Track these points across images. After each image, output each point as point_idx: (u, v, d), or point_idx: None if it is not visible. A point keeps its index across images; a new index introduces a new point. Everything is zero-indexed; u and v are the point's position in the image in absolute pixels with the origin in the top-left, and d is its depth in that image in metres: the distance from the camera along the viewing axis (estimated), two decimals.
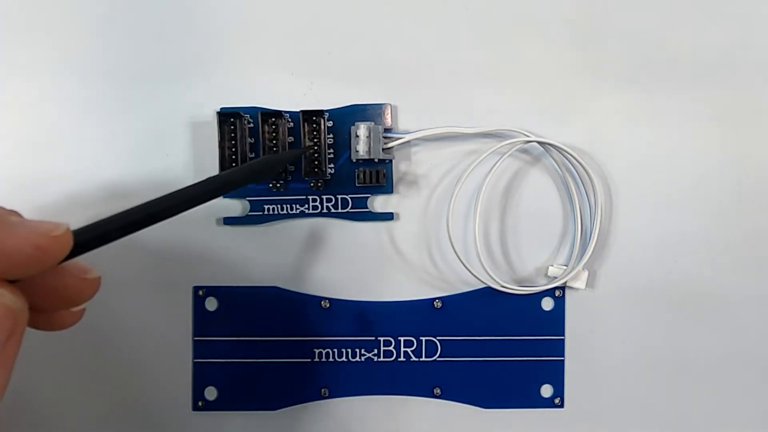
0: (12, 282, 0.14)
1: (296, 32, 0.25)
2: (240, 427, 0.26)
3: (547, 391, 0.26)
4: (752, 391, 0.26)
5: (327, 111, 0.25)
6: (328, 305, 0.25)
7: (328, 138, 0.25)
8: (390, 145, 0.24)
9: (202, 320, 0.25)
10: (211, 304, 0.25)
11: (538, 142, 0.25)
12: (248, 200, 0.25)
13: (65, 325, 0.17)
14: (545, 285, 0.25)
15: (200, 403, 0.25)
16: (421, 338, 0.26)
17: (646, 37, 0.25)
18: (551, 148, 0.25)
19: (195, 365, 0.25)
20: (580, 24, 0.25)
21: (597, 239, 0.25)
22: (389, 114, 0.25)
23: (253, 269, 0.26)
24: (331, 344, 0.25)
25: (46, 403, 0.25)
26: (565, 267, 0.25)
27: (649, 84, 0.25)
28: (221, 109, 0.25)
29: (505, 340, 0.26)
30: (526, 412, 0.26)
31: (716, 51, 0.26)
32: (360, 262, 0.26)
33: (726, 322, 0.26)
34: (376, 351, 0.26)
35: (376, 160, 0.25)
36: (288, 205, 0.25)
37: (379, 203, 0.26)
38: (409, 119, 0.25)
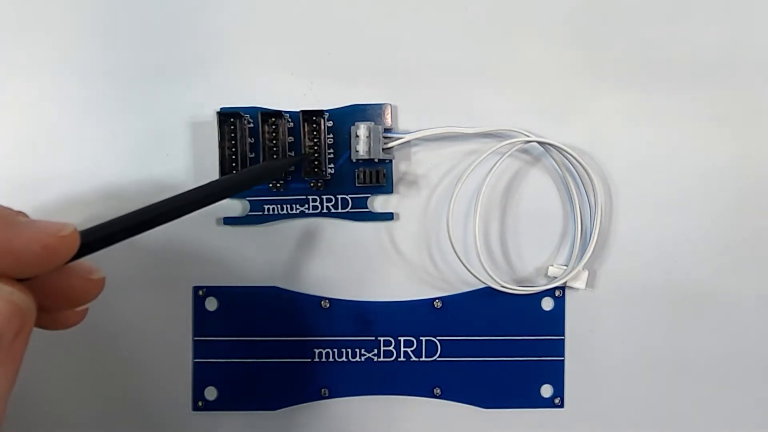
0: (20, 281, 0.14)
1: (296, 32, 0.25)
2: (240, 427, 0.26)
3: (547, 391, 0.26)
4: (752, 391, 0.26)
5: (327, 111, 0.25)
6: (328, 305, 0.25)
7: (328, 138, 0.25)
8: (390, 145, 0.24)
9: (202, 320, 0.25)
10: (211, 304, 0.25)
11: (538, 142, 0.25)
12: (248, 200, 0.25)
13: (69, 324, 0.17)
14: (545, 285, 0.25)
15: (200, 403, 0.25)
16: (421, 338, 0.26)
17: (646, 37, 0.25)
18: (551, 148, 0.25)
19: (195, 365, 0.25)
20: (580, 24, 0.25)
21: (597, 239, 0.25)
22: (389, 114, 0.25)
23: (253, 269, 0.26)
24: (330, 344, 0.25)
25: (46, 403, 0.25)
26: (565, 267, 0.25)
27: (649, 84, 0.25)
28: (221, 109, 0.25)
29: (505, 340, 0.26)
30: (526, 412, 0.26)
31: (716, 51, 0.25)
32: (360, 262, 0.26)
33: (726, 321, 0.26)
34: (376, 351, 0.26)
35: (376, 160, 0.25)
36: (288, 205, 0.25)
37: (379, 203, 0.26)
38: (409, 119, 0.25)
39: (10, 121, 0.25)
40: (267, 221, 0.25)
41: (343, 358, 0.25)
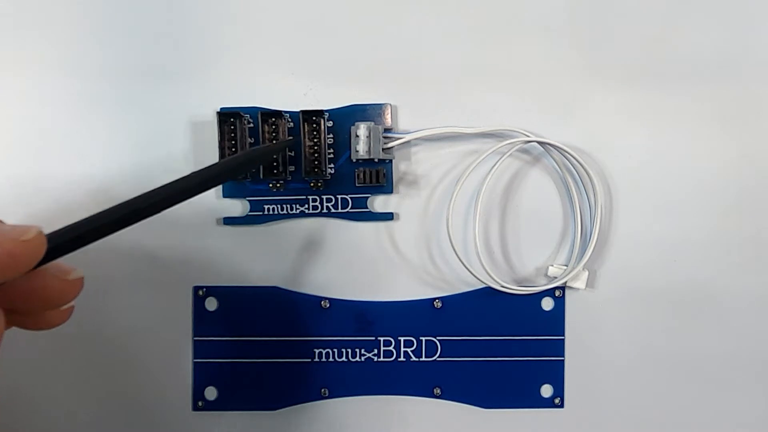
0: None
1: (296, 32, 0.25)
2: (240, 427, 0.26)
3: (547, 391, 0.26)
4: (752, 391, 0.26)
5: (327, 111, 0.25)
6: (327, 305, 0.25)
7: (328, 138, 0.25)
8: (390, 145, 0.24)
9: (202, 320, 0.25)
10: (211, 304, 0.25)
11: (538, 142, 0.25)
12: (248, 200, 0.25)
13: (53, 324, 0.17)
14: (545, 285, 0.25)
15: (200, 403, 0.25)
16: (421, 338, 0.26)
17: (646, 37, 0.25)
18: (551, 148, 0.25)
19: (195, 365, 0.25)
20: (580, 24, 0.25)
21: (597, 239, 0.25)
22: (389, 114, 0.25)
23: (253, 269, 0.26)
24: (330, 344, 0.25)
25: (46, 403, 0.25)
26: (565, 267, 0.25)
27: (649, 84, 0.25)
28: (221, 109, 0.25)
29: (505, 340, 0.26)
30: (526, 412, 0.26)
31: (716, 51, 0.25)
32: (360, 262, 0.26)
33: (726, 321, 0.26)
34: (376, 351, 0.26)
35: (376, 160, 0.25)
36: (288, 205, 0.25)
37: (379, 203, 0.26)
38: (409, 119, 0.25)
39: (9, 120, 0.25)
40: (267, 221, 0.25)
41: (343, 358, 0.25)
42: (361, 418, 0.26)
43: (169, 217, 0.25)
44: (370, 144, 0.24)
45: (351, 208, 0.25)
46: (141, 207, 0.16)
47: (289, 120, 0.25)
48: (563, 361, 0.26)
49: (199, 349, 0.25)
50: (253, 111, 0.25)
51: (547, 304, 0.26)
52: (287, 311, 0.25)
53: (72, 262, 0.25)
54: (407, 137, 0.25)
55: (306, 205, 0.25)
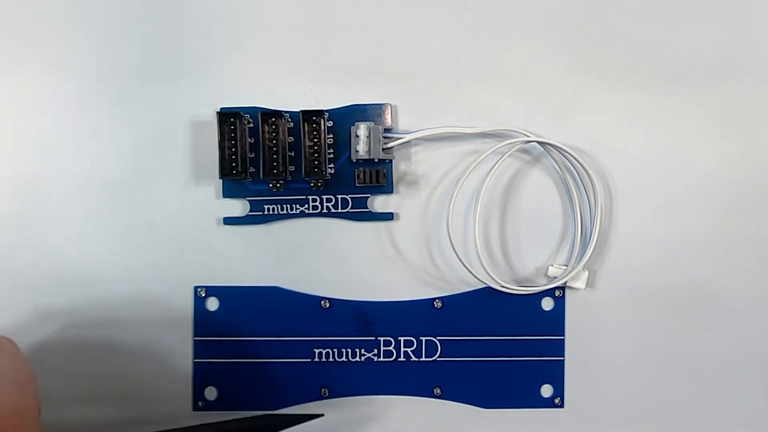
0: None
1: (296, 32, 0.25)
2: None
3: (547, 391, 0.26)
4: (752, 391, 0.26)
5: (327, 111, 0.25)
6: (328, 305, 0.25)
7: (328, 138, 0.25)
8: (390, 145, 0.24)
9: (202, 320, 0.25)
10: (212, 304, 0.25)
11: (538, 142, 0.25)
12: (248, 200, 0.25)
13: None
14: (545, 285, 0.25)
15: (200, 403, 0.25)
16: (421, 338, 0.26)
17: (646, 37, 0.25)
18: (551, 148, 0.25)
19: (195, 365, 0.25)
20: (580, 24, 0.25)
21: (597, 239, 0.25)
22: (389, 114, 0.25)
23: (253, 269, 0.26)
24: (330, 344, 0.25)
25: (45, 403, 0.25)
26: (565, 267, 0.25)
27: (649, 84, 0.25)
28: (221, 109, 0.25)
29: (505, 340, 0.26)
30: (526, 412, 0.26)
31: (716, 51, 0.25)
32: (360, 262, 0.26)
33: (726, 321, 0.26)
34: (376, 351, 0.26)
35: (376, 160, 0.25)
36: (288, 205, 0.25)
37: (379, 203, 0.26)
38: (409, 119, 0.25)
39: (10, 120, 0.25)
40: (267, 221, 0.25)
41: (343, 358, 0.25)
42: (361, 418, 0.26)
43: (169, 217, 0.25)
44: (370, 144, 0.24)
45: (351, 208, 0.25)
46: None
47: (289, 120, 0.25)
48: (563, 361, 0.26)
49: (199, 349, 0.25)
50: (253, 111, 0.25)
51: (547, 304, 0.26)
52: (287, 311, 0.25)
53: (72, 261, 0.25)
54: (407, 137, 0.25)
55: (306, 205, 0.25)
